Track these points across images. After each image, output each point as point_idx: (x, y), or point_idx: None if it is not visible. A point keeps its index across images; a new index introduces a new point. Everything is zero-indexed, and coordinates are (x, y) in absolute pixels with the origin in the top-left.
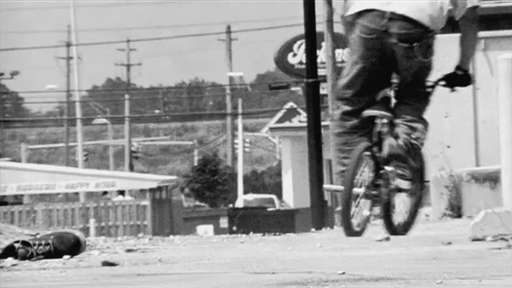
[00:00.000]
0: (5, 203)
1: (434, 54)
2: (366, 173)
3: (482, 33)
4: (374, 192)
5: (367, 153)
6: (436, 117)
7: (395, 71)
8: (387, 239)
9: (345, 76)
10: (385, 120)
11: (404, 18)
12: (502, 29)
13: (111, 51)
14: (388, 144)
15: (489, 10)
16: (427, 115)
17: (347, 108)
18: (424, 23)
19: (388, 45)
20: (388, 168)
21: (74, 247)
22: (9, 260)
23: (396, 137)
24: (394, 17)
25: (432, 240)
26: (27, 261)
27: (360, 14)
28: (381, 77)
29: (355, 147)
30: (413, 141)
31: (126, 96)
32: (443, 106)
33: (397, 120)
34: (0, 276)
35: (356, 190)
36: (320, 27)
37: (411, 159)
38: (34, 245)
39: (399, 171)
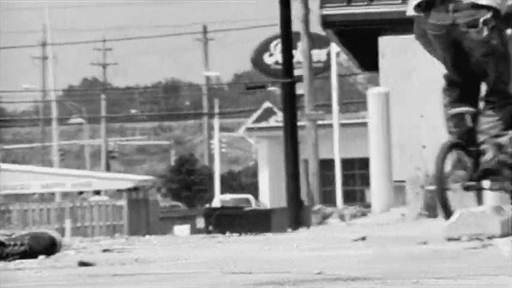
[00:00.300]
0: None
1: (509, 43)
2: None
3: None
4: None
5: (455, 150)
6: (412, 118)
7: (475, 66)
8: (363, 238)
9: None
10: (473, 116)
11: (468, 6)
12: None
13: (87, 50)
14: (481, 162)
15: None
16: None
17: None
18: (491, 5)
19: (460, 39)
20: (485, 183)
21: (49, 247)
22: None
23: (484, 153)
24: (459, 8)
25: (408, 239)
26: (2, 261)
27: (425, 13)
28: (467, 70)
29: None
30: (501, 158)
31: (103, 96)
32: (419, 106)
33: (483, 137)
34: None
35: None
36: (296, 27)
37: (504, 172)
38: (9, 245)
39: (495, 186)
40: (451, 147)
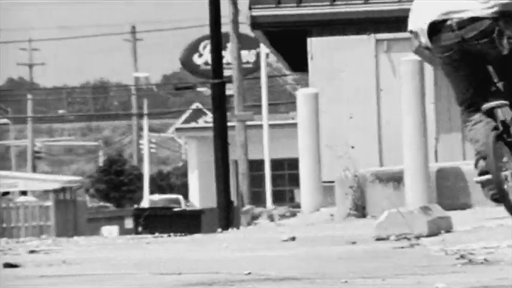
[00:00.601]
0: None
1: None
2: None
3: (385, 35)
4: None
5: (499, 142)
6: (341, 118)
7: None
8: (293, 238)
9: (456, 95)
10: (504, 109)
11: (470, 20)
12: (405, 31)
13: (13, 50)
14: None
15: (392, 12)
16: (332, 116)
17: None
18: (492, 14)
19: (474, 49)
20: None
21: None
22: None
23: None
24: (462, 24)
25: (337, 239)
26: None
27: (432, 40)
28: (482, 78)
29: (486, 139)
30: None
31: (29, 96)
32: (347, 107)
33: None
34: None
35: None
36: (225, 28)
37: None
38: None
39: None
40: (497, 138)
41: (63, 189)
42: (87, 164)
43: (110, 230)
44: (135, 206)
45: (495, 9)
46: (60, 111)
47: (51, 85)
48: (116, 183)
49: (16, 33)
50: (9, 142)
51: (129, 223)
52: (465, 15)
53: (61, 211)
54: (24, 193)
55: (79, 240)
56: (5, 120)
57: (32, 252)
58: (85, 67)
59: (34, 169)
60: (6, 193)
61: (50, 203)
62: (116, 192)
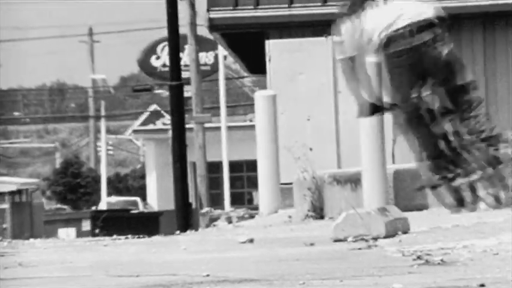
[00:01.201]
0: None
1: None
2: None
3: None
4: None
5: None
6: (299, 120)
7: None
8: (251, 240)
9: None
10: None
11: (425, 24)
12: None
13: None
14: None
15: None
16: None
17: None
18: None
19: (426, 54)
20: None
21: None
22: None
23: None
24: (416, 28)
25: (295, 241)
26: None
27: (386, 45)
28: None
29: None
30: None
31: None
32: (305, 108)
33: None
34: None
35: None
36: (183, 29)
37: None
38: None
39: None
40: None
41: (19, 192)
42: (44, 166)
43: (67, 232)
44: (93, 208)
45: (435, 14)
46: (16, 113)
47: (7, 87)
48: (73, 186)
49: None
50: None
51: (86, 225)
52: (420, 17)
53: (17, 213)
54: None
55: (35, 242)
56: None
57: None
58: (41, 69)
59: None
60: None
61: (5, 205)
62: (73, 195)
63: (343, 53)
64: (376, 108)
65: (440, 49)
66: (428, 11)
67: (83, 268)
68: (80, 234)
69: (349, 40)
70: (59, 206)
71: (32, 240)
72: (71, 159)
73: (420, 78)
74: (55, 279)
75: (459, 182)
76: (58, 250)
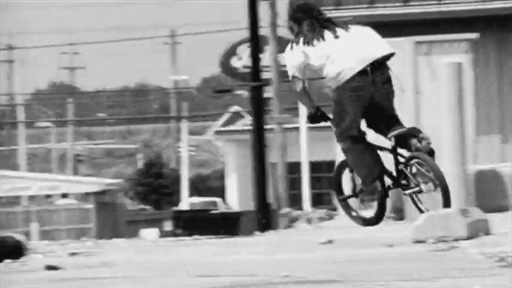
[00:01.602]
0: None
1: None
2: None
3: (424, 38)
4: None
5: None
6: None
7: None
8: (330, 241)
9: (341, 123)
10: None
11: (380, 63)
12: (444, 33)
13: (55, 54)
14: None
15: (431, 14)
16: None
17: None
18: (390, 54)
19: (373, 90)
20: None
21: (15, 251)
22: None
23: None
24: (374, 67)
25: (374, 242)
26: None
27: (347, 80)
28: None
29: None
30: None
31: (70, 99)
32: None
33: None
34: None
35: None
36: (264, 31)
37: None
38: None
39: None
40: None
41: (103, 192)
42: (127, 167)
43: (149, 232)
44: (174, 208)
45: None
46: (100, 115)
47: (92, 88)
48: (155, 186)
49: (58, 37)
50: (50, 145)
51: (167, 225)
52: (377, 55)
53: (101, 213)
54: (65, 196)
55: (118, 242)
56: (46, 124)
57: (72, 254)
58: (125, 70)
59: (75, 172)
60: (48, 196)
61: (90, 205)
62: (155, 195)
63: (291, 71)
64: (317, 118)
65: (389, 88)
66: (383, 50)
67: (164, 268)
68: (162, 234)
69: (296, 62)
70: (141, 206)
71: (115, 240)
72: (153, 160)
73: (363, 110)
74: (137, 278)
75: (408, 192)
76: (140, 250)
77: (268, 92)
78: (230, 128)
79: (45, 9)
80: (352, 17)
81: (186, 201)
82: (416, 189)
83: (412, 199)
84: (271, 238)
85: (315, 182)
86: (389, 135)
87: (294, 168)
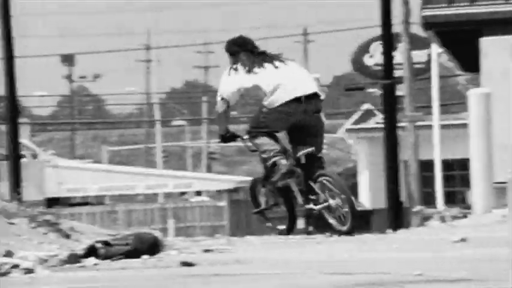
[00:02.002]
0: (87, 204)
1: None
2: None
3: None
4: None
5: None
6: None
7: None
8: (463, 240)
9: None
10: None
11: (313, 96)
12: None
13: (189, 53)
14: None
15: None
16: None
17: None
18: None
19: (303, 117)
20: None
21: (152, 247)
22: (91, 260)
23: None
24: (308, 98)
25: (509, 241)
26: (107, 260)
27: (282, 104)
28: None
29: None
30: None
31: (204, 98)
32: None
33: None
34: (82, 276)
35: None
36: (396, 28)
37: None
38: (114, 245)
39: None
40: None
41: (236, 190)
42: (259, 164)
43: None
44: (307, 206)
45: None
46: (234, 113)
47: None
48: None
49: (191, 36)
50: (185, 143)
51: (300, 223)
52: (310, 91)
53: (234, 211)
54: (199, 193)
55: (252, 239)
56: (181, 122)
57: (206, 251)
58: None
59: (209, 169)
60: (183, 193)
61: (223, 203)
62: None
63: (223, 94)
64: (227, 138)
65: (317, 118)
66: (315, 87)
67: (296, 265)
68: (294, 231)
69: (231, 88)
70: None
71: (248, 237)
72: None
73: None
74: (270, 275)
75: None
76: (273, 247)
77: (401, 90)
78: (362, 126)
79: (179, 10)
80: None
81: None
82: (326, 204)
83: (322, 214)
84: (403, 236)
85: (447, 180)
86: (299, 153)
87: (426, 167)
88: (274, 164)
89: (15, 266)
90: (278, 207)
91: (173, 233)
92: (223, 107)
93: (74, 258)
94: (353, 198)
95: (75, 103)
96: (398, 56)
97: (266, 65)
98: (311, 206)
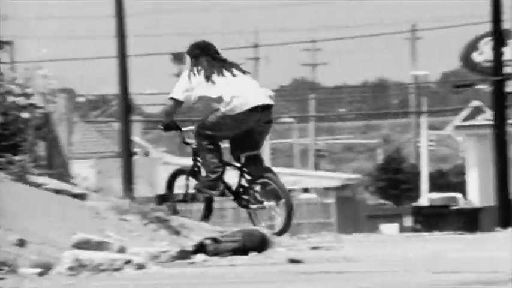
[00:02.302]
0: (196, 201)
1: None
2: None
3: None
4: None
5: None
6: None
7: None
8: None
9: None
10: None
11: (267, 107)
12: None
13: (296, 51)
14: None
15: None
16: None
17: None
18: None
19: (255, 126)
20: None
21: (260, 244)
22: (200, 256)
23: None
24: (263, 108)
25: None
26: (216, 257)
27: (239, 113)
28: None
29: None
30: None
31: (311, 95)
32: None
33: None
34: (192, 272)
35: None
36: (506, 24)
37: None
38: (223, 241)
39: None
40: None
41: (343, 187)
42: (366, 161)
43: (389, 228)
44: (414, 203)
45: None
46: (341, 110)
47: (332, 84)
48: (395, 181)
49: (300, 34)
50: (292, 140)
51: (407, 221)
52: (265, 102)
53: (341, 208)
54: (306, 190)
55: (359, 237)
56: (288, 120)
57: (314, 248)
58: (365, 66)
59: (316, 167)
60: (289, 190)
61: (330, 200)
62: (394, 190)
63: (176, 93)
64: (169, 126)
65: (267, 127)
66: (269, 99)
67: (403, 263)
68: (402, 229)
69: (185, 89)
70: (381, 201)
71: (355, 234)
72: (393, 155)
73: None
74: (376, 273)
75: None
76: (380, 245)
77: (510, 87)
78: (471, 123)
79: (287, 8)
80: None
81: (426, 197)
82: (260, 205)
83: (250, 214)
84: None
85: None
86: (242, 155)
87: None
88: (213, 179)
89: (128, 262)
90: (195, 202)
91: None
92: (172, 107)
93: (183, 255)
94: (292, 201)
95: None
96: (508, 53)
97: (225, 72)
98: (247, 204)
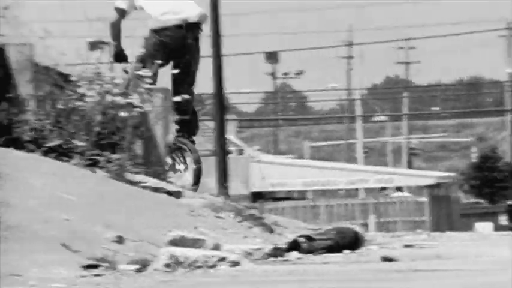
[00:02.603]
0: (290, 199)
1: None
2: None
3: None
4: None
5: None
6: None
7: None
8: None
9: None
10: None
11: (194, 24)
12: None
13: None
14: None
15: None
16: None
17: None
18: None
19: (182, 43)
20: None
21: (353, 242)
22: (294, 254)
23: None
24: (189, 25)
25: None
26: (310, 255)
27: (165, 27)
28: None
29: None
30: None
31: (405, 93)
32: None
33: None
34: (286, 269)
35: None
36: None
37: None
38: (316, 239)
39: None
40: None
41: (437, 185)
42: (460, 160)
43: (483, 226)
44: (509, 202)
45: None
46: (435, 108)
47: (426, 82)
48: (489, 180)
49: (393, 32)
50: (386, 139)
51: (503, 219)
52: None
53: (435, 206)
54: (399, 189)
55: (453, 235)
56: (382, 118)
57: (407, 246)
58: (459, 64)
59: (409, 165)
60: (383, 188)
61: (424, 198)
62: (489, 189)
63: (120, 3)
64: (121, 57)
65: (195, 46)
66: (198, 12)
67: (498, 262)
68: (497, 228)
69: None
70: (475, 200)
71: (449, 233)
72: (488, 153)
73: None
74: (470, 272)
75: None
76: (474, 244)
77: None
78: None
79: (381, 6)
80: None
81: None
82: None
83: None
84: None
85: None
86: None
87: None
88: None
89: (222, 259)
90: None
91: (374, 228)
92: (117, 18)
93: (277, 252)
94: (202, 165)
95: (278, 99)
96: None
97: None
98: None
